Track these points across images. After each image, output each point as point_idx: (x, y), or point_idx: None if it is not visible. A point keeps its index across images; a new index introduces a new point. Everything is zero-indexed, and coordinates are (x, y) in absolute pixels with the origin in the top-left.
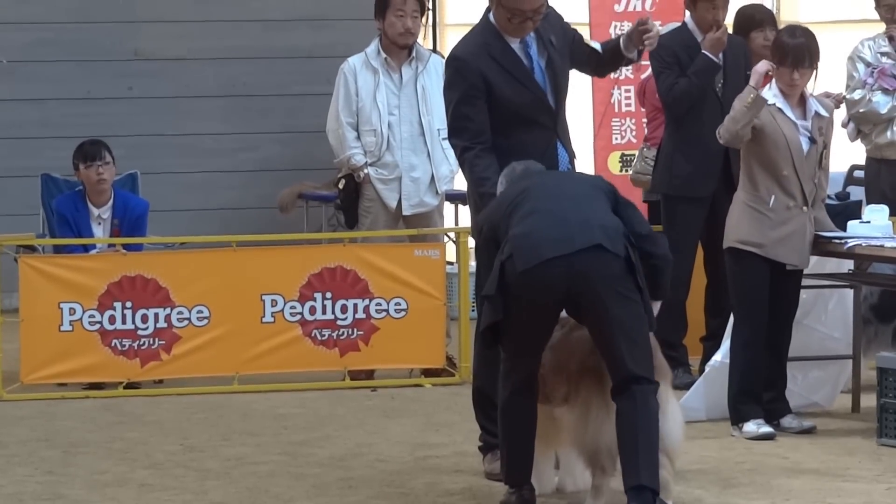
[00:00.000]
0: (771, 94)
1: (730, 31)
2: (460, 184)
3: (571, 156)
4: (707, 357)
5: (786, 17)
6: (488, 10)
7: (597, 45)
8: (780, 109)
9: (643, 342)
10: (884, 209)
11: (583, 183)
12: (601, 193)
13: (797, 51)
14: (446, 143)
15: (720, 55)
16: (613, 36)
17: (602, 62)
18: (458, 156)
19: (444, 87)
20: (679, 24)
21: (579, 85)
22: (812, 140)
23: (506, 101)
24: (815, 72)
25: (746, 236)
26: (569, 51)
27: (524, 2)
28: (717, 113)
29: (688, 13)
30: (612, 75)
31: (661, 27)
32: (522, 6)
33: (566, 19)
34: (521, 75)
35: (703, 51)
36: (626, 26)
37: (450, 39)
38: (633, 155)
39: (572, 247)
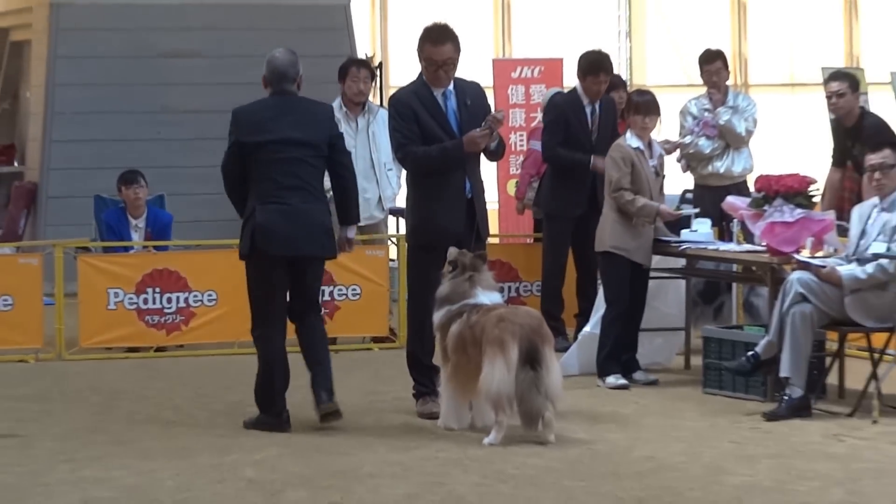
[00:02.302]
0: (636, 140)
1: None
2: (400, 201)
3: (480, 189)
4: (579, 328)
5: (637, 81)
6: (421, 72)
7: None
8: (641, 151)
9: (318, 297)
10: (707, 221)
11: (310, 159)
12: (322, 158)
13: (648, 104)
14: (391, 173)
15: (596, 109)
16: (511, 95)
17: None
18: (401, 158)
19: (388, 123)
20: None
21: None
22: (657, 173)
23: (427, 136)
24: (659, 120)
25: (618, 243)
26: (480, 115)
27: (435, 53)
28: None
29: (578, 82)
30: (509, 123)
31: (500, 115)
32: (434, 56)
33: (477, 81)
34: (438, 117)
35: (592, 162)
36: (520, 89)
37: None
38: None
39: (298, 251)
